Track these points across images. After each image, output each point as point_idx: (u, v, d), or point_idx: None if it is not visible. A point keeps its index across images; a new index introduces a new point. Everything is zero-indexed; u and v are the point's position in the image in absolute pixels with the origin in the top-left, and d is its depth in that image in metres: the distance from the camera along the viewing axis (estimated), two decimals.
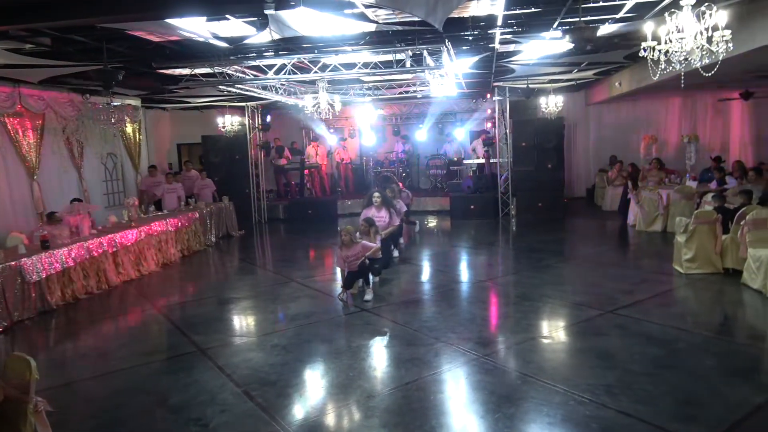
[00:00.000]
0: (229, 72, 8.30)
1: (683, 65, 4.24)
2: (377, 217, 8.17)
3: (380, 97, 12.55)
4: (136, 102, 12.19)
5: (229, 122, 14.05)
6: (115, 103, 9.37)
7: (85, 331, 6.43)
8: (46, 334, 6.43)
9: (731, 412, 3.79)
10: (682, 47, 4.08)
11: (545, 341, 5.39)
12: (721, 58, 4.21)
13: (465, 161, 15.75)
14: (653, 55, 4.36)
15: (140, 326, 6.61)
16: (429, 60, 7.67)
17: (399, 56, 7.64)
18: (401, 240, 10.03)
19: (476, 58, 9.18)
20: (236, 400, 4.32)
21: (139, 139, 12.71)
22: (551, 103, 13.37)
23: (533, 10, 6.12)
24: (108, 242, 8.05)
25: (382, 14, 6.00)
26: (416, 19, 5.88)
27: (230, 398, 4.35)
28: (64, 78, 8.83)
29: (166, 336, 6.22)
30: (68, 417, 4.14)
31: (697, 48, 4.08)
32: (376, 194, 8.54)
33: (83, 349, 5.88)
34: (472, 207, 13.38)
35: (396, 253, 9.19)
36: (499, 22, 6.52)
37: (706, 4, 4.06)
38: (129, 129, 12.18)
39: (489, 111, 15.26)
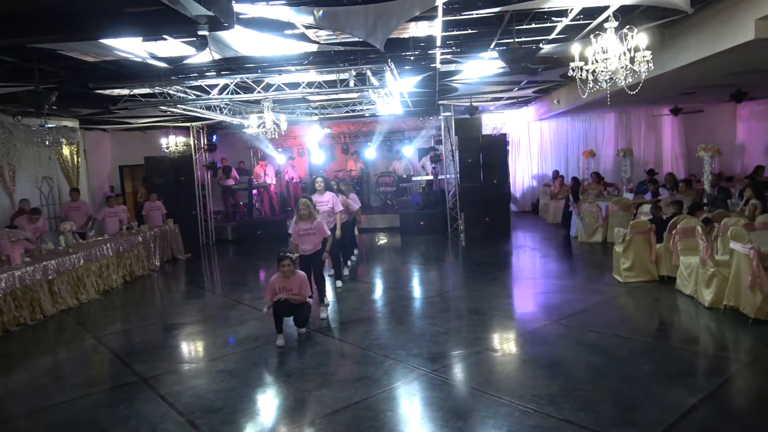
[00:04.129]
0: (170, 92, 8.14)
1: (609, 84, 4.49)
2: (319, 202, 7.80)
3: (327, 116, 12.57)
4: (73, 123, 11.75)
5: (173, 143, 13.74)
6: (50, 125, 8.99)
7: (17, 366, 6.06)
8: None
9: (667, 414, 3.95)
10: (606, 67, 4.33)
11: (492, 354, 5.47)
12: (643, 77, 4.48)
13: (414, 178, 15.94)
14: (581, 75, 4.60)
15: (78, 357, 6.29)
16: (373, 79, 7.76)
17: (343, 76, 7.71)
18: (352, 257, 10.01)
19: (420, 78, 9.36)
20: (179, 429, 4.17)
21: (77, 161, 12.23)
22: (495, 120, 13.76)
23: (470, 31, 6.32)
24: (42, 270, 7.66)
25: (323, 35, 6.05)
26: (358, 39, 5.97)
27: (173, 428, 4.19)
28: None
29: (106, 366, 5.95)
30: None
31: (621, 68, 4.33)
32: (319, 179, 8.19)
33: (14, 385, 5.54)
34: (421, 223, 13.53)
35: (346, 272, 9.15)
36: (438, 42, 6.69)
37: (628, 26, 4.32)
38: (66, 151, 11.71)
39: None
